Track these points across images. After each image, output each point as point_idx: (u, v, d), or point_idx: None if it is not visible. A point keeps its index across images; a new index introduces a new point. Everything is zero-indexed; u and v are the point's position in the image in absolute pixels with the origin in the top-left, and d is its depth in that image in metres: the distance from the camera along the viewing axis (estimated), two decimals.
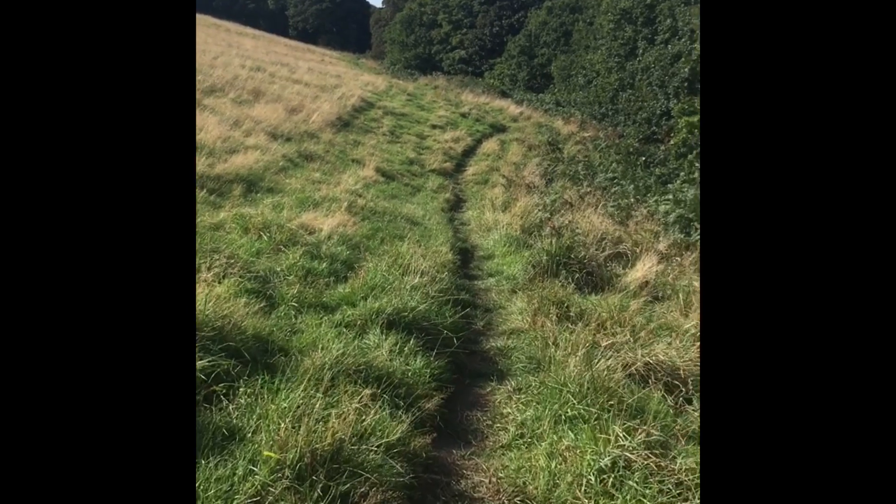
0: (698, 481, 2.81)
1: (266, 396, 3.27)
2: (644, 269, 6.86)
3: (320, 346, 3.96)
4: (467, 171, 14.42)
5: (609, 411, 3.54)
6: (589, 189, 11.87)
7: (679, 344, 4.67)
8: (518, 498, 3.19)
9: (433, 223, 8.90)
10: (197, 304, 3.71)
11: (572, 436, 3.41)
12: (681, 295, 5.99)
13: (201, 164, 7.93)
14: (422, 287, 5.28)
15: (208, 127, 9.64)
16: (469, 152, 16.63)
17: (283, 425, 2.91)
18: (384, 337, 4.28)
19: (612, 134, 21.46)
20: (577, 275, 6.42)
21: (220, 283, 4.57)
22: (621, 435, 3.20)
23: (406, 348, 4.22)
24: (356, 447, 2.96)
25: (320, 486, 2.71)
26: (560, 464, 3.23)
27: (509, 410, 4.01)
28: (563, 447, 3.32)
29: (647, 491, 2.92)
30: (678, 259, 7.70)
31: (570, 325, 5.05)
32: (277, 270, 5.26)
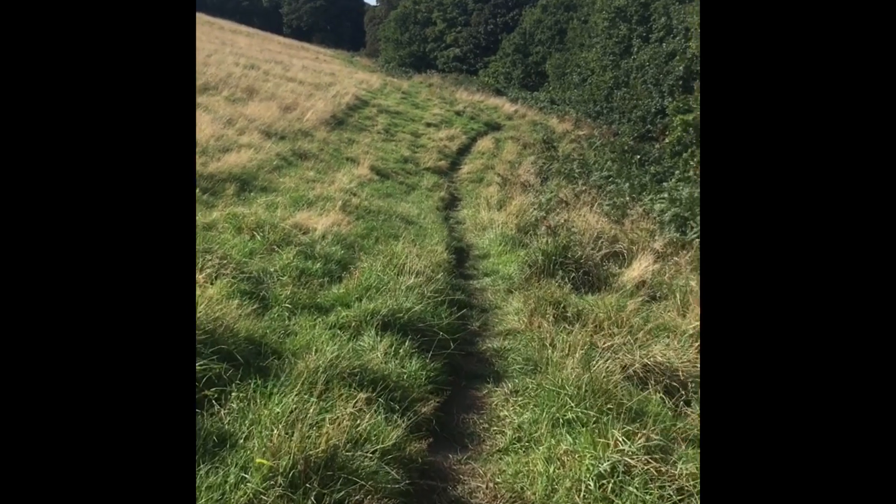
0: (699, 488, 2.76)
1: (259, 401, 3.20)
2: (640, 268, 6.82)
3: (314, 348, 3.89)
4: (462, 169, 14.35)
5: (608, 414, 3.49)
6: (584, 187, 11.82)
7: (677, 345, 4.62)
8: None
9: (428, 222, 8.84)
10: None
11: (570, 440, 3.36)
12: (678, 295, 5.94)
13: None
14: (417, 287, 5.22)
15: (201, 125, 9.55)
16: (464, 150, 16.57)
17: (275, 431, 2.84)
18: (379, 339, 4.22)
19: (607, 132, 21.41)
20: (574, 274, 6.37)
21: (212, 284, 4.50)
22: (620, 439, 3.14)
23: (401, 350, 4.16)
24: (351, 453, 2.90)
25: (314, 493, 2.65)
26: (558, 468, 3.18)
27: (506, 413, 3.95)
28: (562, 451, 3.27)
29: (648, 497, 2.88)
30: (674, 258, 7.66)
31: (567, 326, 5.00)
32: (271, 271, 5.19)
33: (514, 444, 3.60)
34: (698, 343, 4.60)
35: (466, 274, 7.13)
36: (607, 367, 3.99)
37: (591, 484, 2.98)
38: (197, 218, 6.08)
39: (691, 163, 14.35)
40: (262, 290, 4.80)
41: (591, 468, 3.04)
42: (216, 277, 4.63)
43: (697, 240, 8.65)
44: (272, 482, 2.64)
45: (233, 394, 3.27)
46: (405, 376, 3.89)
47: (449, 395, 4.13)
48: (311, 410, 3.09)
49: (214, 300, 4.04)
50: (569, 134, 20.87)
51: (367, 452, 2.96)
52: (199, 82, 13.06)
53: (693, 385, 4.14)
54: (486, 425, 3.91)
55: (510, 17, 39.11)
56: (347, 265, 5.80)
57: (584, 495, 2.97)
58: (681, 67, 18.19)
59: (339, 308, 4.74)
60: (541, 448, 3.39)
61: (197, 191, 7.08)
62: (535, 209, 9.48)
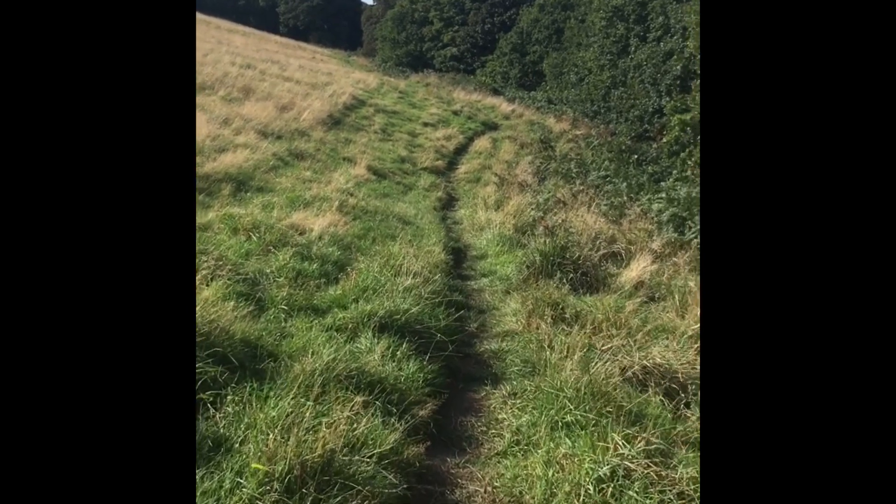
0: (700, 493, 2.73)
1: (254, 405, 3.17)
2: (639, 268, 6.79)
3: (311, 350, 3.86)
4: (459, 169, 14.32)
5: (607, 417, 3.45)
6: (582, 187, 11.80)
7: (676, 346, 4.60)
8: None
9: (425, 222, 8.80)
10: None
11: (569, 443, 3.32)
12: (676, 295, 5.92)
13: None
14: (414, 288, 5.18)
15: (197, 125, 9.50)
16: (461, 150, 16.54)
17: (271, 436, 2.81)
18: (376, 341, 4.18)
19: (605, 132, 21.39)
20: (572, 275, 6.35)
21: (208, 285, 4.46)
22: (620, 443, 3.11)
23: (399, 352, 4.13)
24: (348, 458, 2.86)
25: (310, 499, 2.62)
26: (557, 472, 3.14)
27: (504, 416, 3.92)
28: (561, 455, 3.23)
29: (648, 502, 2.85)
30: (673, 258, 7.64)
31: (565, 328, 4.97)
32: (267, 272, 5.15)
33: (513, 447, 3.57)
34: (697, 344, 4.58)
35: (464, 275, 7.10)
36: (606, 370, 3.96)
37: (591, 488, 2.95)
38: None
39: (689, 162, 14.33)
40: (258, 291, 4.76)
41: (591, 472, 3.01)
42: (212, 279, 4.59)
43: (696, 240, 8.64)
44: (268, 487, 2.60)
45: (228, 397, 3.23)
46: (402, 379, 3.85)
47: (447, 398, 4.10)
48: (308, 414, 3.06)
49: (210, 302, 4.00)
50: (566, 133, 20.85)
51: (364, 457, 2.93)
52: None
53: (693, 387, 4.11)
54: (484, 428, 3.88)
55: (507, 17, 39.06)
56: (344, 266, 5.77)
57: (583, 500, 2.94)
58: (678, 67, 18.17)
59: (336, 310, 4.71)
60: (539, 451, 3.36)
61: None
62: (532, 209, 9.45)
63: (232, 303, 4.24)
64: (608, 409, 3.56)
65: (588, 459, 3.09)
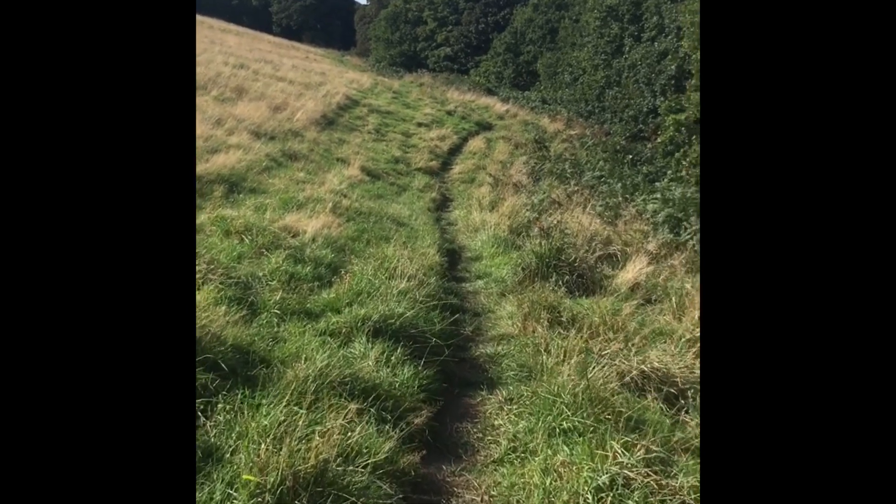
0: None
1: (246, 413, 3.10)
2: (635, 270, 6.75)
3: (304, 356, 3.79)
4: (454, 169, 14.26)
5: (605, 424, 3.40)
6: (576, 188, 11.76)
7: (674, 350, 4.55)
8: None
9: (420, 223, 8.74)
10: None
11: (567, 450, 3.27)
12: (673, 298, 5.87)
13: None
14: (409, 292, 5.12)
15: None
16: (455, 150, 16.47)
17: (263, 446, 2.74)
18: (370, 346, 4.12)
19: (599, 132, 21.37)
20: (568, 277, 6.29)
21: (198, 290, 4.39)
22: (619, 451, 3.06)
23: (393, 357, 4.06)
24: (341, 468, 2.80)
25: None
26: (555, 481, 3.08)
27: (501, 422, 3.86)
28: (558, 463, 3.18)
29: None
30: (669, 259, 7.60)
31: (561, 331, 4.91)
32: (259, 276, 5.08)
33: (510, 454, 3.51)
34: (695, 348, 4.53)
35: (459, 276, 7.04)
36: (604, 375, 3.91)
37: (590, 497, 2.89)
38: None
39: (683, 162, 14.31)
40: (250, 295, 4.68)
41: (590, 481, 2.95)
42: (203, 283, 4.52)
43: (691, 241, 8.61)
44: (259, 500, 2.54)
45: (219, 405, 3.16)
46: (397, 385, 3.79)
47: (442, 404, 4.04)
48: (301, 423, 2.99)
49: (201, 307, 3.93)
50: (560, 133, 20.82)
51: (358, 467, 2.87)
52: None
53: (691, 391, 4.06)
54: (481, 435, 3.82)
55: (501, 17, 39.02)
56: (338, 269, 5.70)
57: None
58: (673, 67, 18.18)
59: (330, 314, 4.64)
60: (537, 459, 3.30)
61: None
62: (527, 210, 9.40)
63: (223, 307, 4.17)
64: (606, 415, 3.50)
65: (587, 468, 3.03)
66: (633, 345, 4.56)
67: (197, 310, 3.82)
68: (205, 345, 3.52)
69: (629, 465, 2.98)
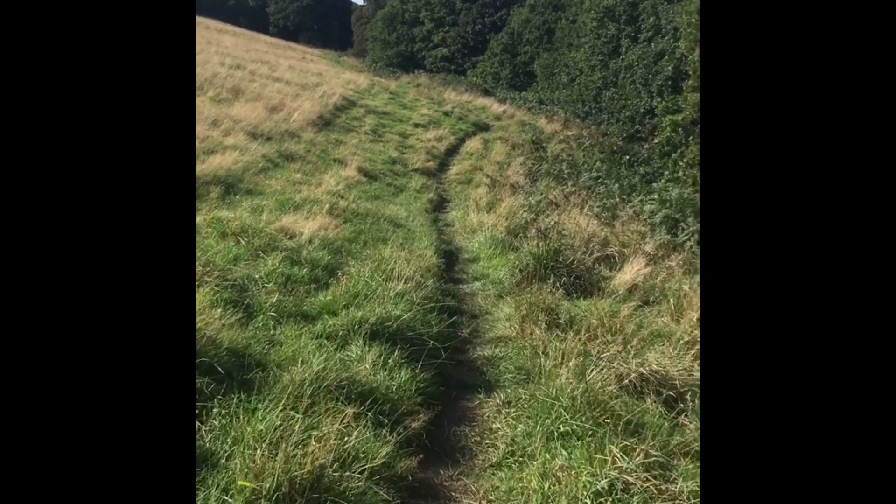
0: None
1: (242, 417, 3.07)
2: (632, 271, 6.73)
3: (300, 360, 3.76)
4: (451, 170, 14.23)
5: (604, 427, 3.38)
6: (574, 188, 11.74)
7: (672, 352, 4.53)
8: None
9: (417, 225, 8.71)
10: None
11: (566, 454, 3.24)
12: (671, 299, 5.85)
13: None
14: (406, 294, 5.09)
15: None
16: (452, 151, 16.45)
17: (259, 451, 2.71)
18: (367, 349, 4.09)
19: (596, 132, 21.37)
20: (565, 279, 6.27)
21: None
22: (618, 455, 3.03)
23: (390, 360, 4.03)
24: (338, 474, 2.77)
25: None
26: (554, 485, 3.06)
27: (499, 426, 3.84)
28: (557, 467, 3.15)
29: None
30: (666, 261, 7.59)
31: (559, 333, 4.89)
32: (256, 278, 5.05)
33: (508, 458, 3.48)
34: (694, 350, 4.51)
35: (456, 278, 7.02)
36: (602, 377, 3.89)
37: (589, 502, 2.87)
38: None
39: (680, 163, 14.30)
40: (246, 297, 4.65)
41: (589, 485, 2.93)
42: (199, 285, 4.48)
43: (689, 242, 8.60)
44: None
45: (214, 410, 3.13)
46: (394, 388, 3.76)
47: (440, 407, 4.00)
48: (297, 427, 2.96)
49: (196, 310, 3.90)
50: (557, 134, 20.81)
51: (354, 472, 2.84)
52: None
53: (690, 393, 4.04)
54: (478, 438, 3.79)
55: (498, 17, 39.02)
56: (335, 271, 5.66)
57: None
58: (669, 67, 18.17)
59: (326, 316, 4.61)
60: (535, 463, 3.28)
61: None
62: (524, 211, 9.38)
63: (219, 310, 4.14)
64: (605, 418, 3.48)
65: (585, 472, 3.01)
66: (631, 347, 4.53)
67: None
68: (200, 348, 3.48)
69: (628, 470, 2.96)
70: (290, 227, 6.49)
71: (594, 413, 3.52)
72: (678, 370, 4.19)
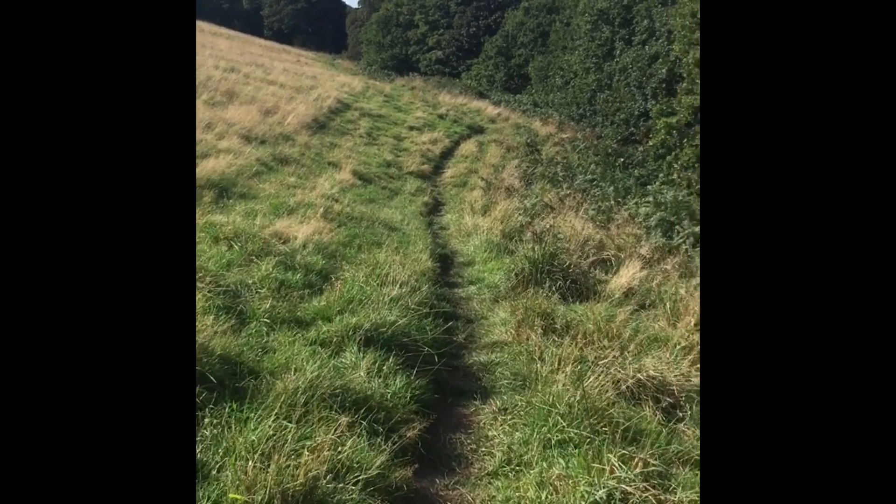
0: None
1: (234, 427, 3.01)
2: (628, 275, 6.70)
3: (293, 367, 3.71)
4: (445, 173, 14.20)
5: (602, 435, 3.33)
6: (569, 191, 11.71)
7: (669, 357, 4.49)
8: None
9: (412, 228, 8.67)
10: None
11: (563, 463, 3.20)
12: (667, 303, 5.82)
13: None
14: (401, 299, 5.04)
15: None
16: (447, 154, 16.42)
17: (250, 462, 2.66)
18: (362, 355, 4.04)
19: (591, 135, 21.39)
20: (561, 283, 6.23)
21: None
22: (616, 464, 2.99)
23: (385, 367, 3.98)
24: (332, 485, 2.72)
25: None
26: (551, 495, 3.01)
27: (495, 433, 3.79)
28: (554, 476, 3.11)
29: None
30: (662, 264, 7.55)
31: (556, 339, 4.85)
32: (249, 283, 4.99)
33: (504, 466, 3.44)
34: (691, 356, 4.48)
35: (451, 282, 6.97)
36: (599, 384, 3.84)
37: None
38: None
39: (675, 165, 14.32)
40: (239, 303, 4.60)
41: (586, 495, 2.89)
42: None
43: (684, 245, 8.57)
44: None
45: (206, 419, 3.08)
46: (389, 396, 3.71)
47: (435, 416, 3.95)
48: (290, 437, 2.91)
49: None
50: (552, 137, 20.81)
51: (349, 483, 2.79)
52: None
53: (687, 399, 4.01)
54: (474, 446, 3.75)
55: (492, 20, 39.05)
56: (329, 276, 5.61)
57: None
58: (664, 70, 18.19)
59: (320, 322, 4.56)
60: (532, 472, 3.23)
61: None
62: (520, 214, 9.33)
63: (211, 317, 4.09)
64: (602, 426, 3.44)
65: (583, 481, 2.97)
66: (628, 353, 4.49)
67: None
68: None
69: (627, 480, 2.91)
70: (284, 232, 6.43)
71: (591, 420, 3.47)
72: (675, 376, 4.16)
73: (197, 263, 4.88)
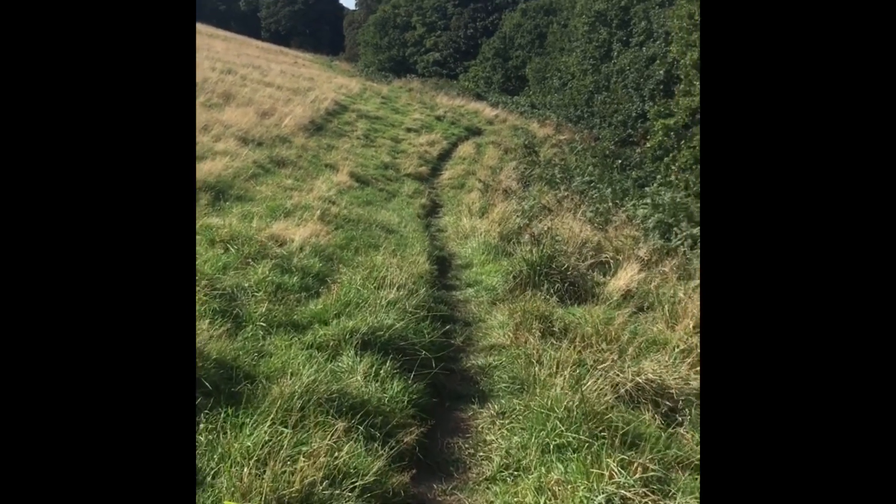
0: None
1: (229, 433, 2.98)
2: (626, 277, 6.68)
3: (289, 371, 3.68)
4: (443, 175, 14.18)
5: (601, 440, 3.31)
6: (566, 193, 11.70)
7: (668, 360, 4.47)
8: None
9: (409, 230, 8.64)
10: None
11: (562, 468, 3.18)
12: (665, 305, 5.80)
13: None
14: (398, 302, 5.02)
15: None
16: (445, 156, 16.40)
17: (246, 469, 2.63)
18: (359, 359, 4.01)
19: (588, 136, 21.38)
20: (559, 285, 6.21)
21: None
22: (616, 469, 2.97)
23: (382, 371, 3.95)
24: (328, 492, 2.69)
25: None
26: (549, 500, 2.99)
27: (493, 437, 3.77)
28: (553, 481, 3.08)
29: None
30: (660, 266, 7.53)
31: (554, 342, 4.82)
32: (245, 286, 4.96)
33: (502, 471, 3.41)
34: (689, 359, 4.46)
35: (449, 284, 6.95)
36: (598, 387, 3.82)
37: None
38: None
39: (672, 167, 14.31)
40: (235, 307, 4.56)
41: (585, 501, 2.86)
42: None
43: (682, 247, 8.56)
44: None
45: (201, 425, 3.05)
46: (386, 400, 3.68)
47: (432, 422, 3.92)
48: (286, 443, 2.88)
49: None
50: (550, 139, 20.80)
51: (345, 490, 2.76)
52: None
53: (686, 404, 3.98)
54: (472, 451, 3.72)
55: (490, 22, 39.07)
56: (326, 279, 5.58)
57: None
58: (661, 71, 18.19)
59: (317, 326, 4.53)
60: (530, 477, 3.21)
61: None
62: (517, 216, 9.32)
63: (207, 321, 4.06)
64: (601, 430, 3.41)
65: (582, 487, 2.94)
66: (627, 356, 4.47)
67: None
68: None
69: (626, 485, 2.89)
70: (280, 234, 6.40)
71: (590, 425, 3.45)
72: (674, 379, 4.13)
73: None
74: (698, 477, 3.05)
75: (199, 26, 38.73)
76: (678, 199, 10.83)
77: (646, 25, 20.17)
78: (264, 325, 4.39)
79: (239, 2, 65.77)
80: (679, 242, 8.80)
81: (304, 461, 2.74)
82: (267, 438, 2.91)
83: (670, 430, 3.67)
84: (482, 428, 3.94)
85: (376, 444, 3.23)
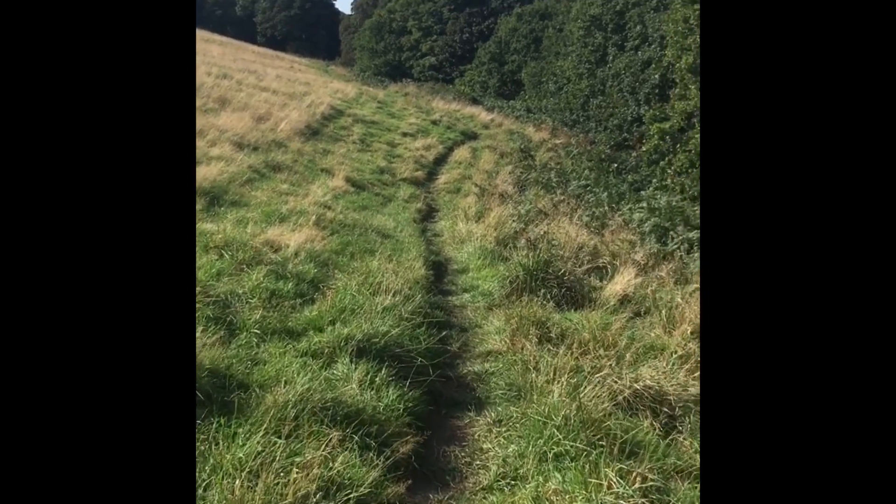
0: None
1: (221, 444, 2.93)
2: (623, 281, 6.65)
3: (283, 379, 3.63)
4: (439, 179, 14.14)
5: (599, 448, 3.26)
6: (562, 197, 11.68)
7: (665, 367, 4.43)
8: None
9: (405, 235, 8.60)
10: None
11: (560, 477, 3.13)
12: (663, 310, 5.77)
13: None
14: (394, 308, 4.98)
15: None
16: (440, 160, 16.36)
17: (238, 481, 2.59)
18: (354, 367, 3.96)
19: (584, 140, 21.38)
20: (556, 290, 6.17)
21: None
22: (614, 479, 2.92)
23: (378, 379, 3.91)
24: None
25: None
26: None
27: (489, 446, 3.72)
28: (550, 491, 3.04)
29: None
30: (656, 270, 7.51)
31: (551, 348, 4.78)
32: (239, 293, 4.91)
33: (499, 480, 3.36)
34: (688, 365, 4.43)
35: (445, 290, 6.90)
36: (596, 394, 3.78)
37: None
38: None
39: (668, 171, 14.30)
40: (228, 314, 4.52)
41: None
42: None
43: (678, 251, 8.54)
44: None
45: None
46: (381, 408, 3.63)
47: (429, 432, 3.87)
48: (279, 454, 2.83)
49: None
50: (546, 143, 20.79)
51: (339, 502, 2.71)
52: None
53: (683, 409, 3.94)
54: (469, 459, 3.67)
55: (485, 26, 39.07)
56: (321, 285, 5.54)
57: None
58: (657, 76, 18.20)
59: (312, 333, 4.48)
60: (528, 486, 3.16)
61: None
62: (513, 220, 9.29)
63: (200, 328, 4.01)
64: (599, 438, 3.37)
65: (580, 497, 2.90)
66: (624, 362, 4.43)
67: None
68: None
69: (625, 496, 2.85)
70: (275, 240, 6.36)
71: (588, 433, 3.41)
72: (672, 385, 4.10)
73: None
74: (698, 486, 3.01)
75: (196, 31, 38.68)
76: (674, 203, 10.81)
77: (641, 30, 20.18)
78: (258, 332, 4.34)
79: (235, 6, 65.75)
80: (676, 246, 8.78)
81: (298, 472, 2.69)
82: (260, 449, 2.87)
83: (669, 437, 3.63)
84: (479, 436, 3.89)
85: (371, 454, 3.19)
